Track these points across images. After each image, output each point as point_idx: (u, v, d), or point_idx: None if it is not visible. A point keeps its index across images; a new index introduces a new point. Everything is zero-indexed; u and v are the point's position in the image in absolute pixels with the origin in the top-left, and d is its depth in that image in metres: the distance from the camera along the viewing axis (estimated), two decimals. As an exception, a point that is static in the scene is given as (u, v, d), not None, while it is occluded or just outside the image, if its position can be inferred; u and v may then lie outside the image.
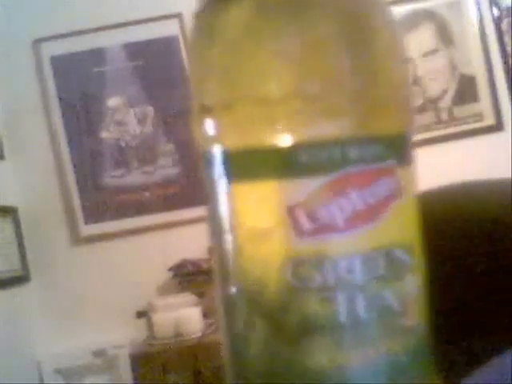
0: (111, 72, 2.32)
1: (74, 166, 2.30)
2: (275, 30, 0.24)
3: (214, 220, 0.26)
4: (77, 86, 2.32)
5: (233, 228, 0.25)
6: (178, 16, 2.31)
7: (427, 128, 2.38)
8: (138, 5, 2.30)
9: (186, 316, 1.95)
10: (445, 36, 2.41)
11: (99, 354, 2.18)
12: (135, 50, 2.32)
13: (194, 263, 2.12)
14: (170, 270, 2.15)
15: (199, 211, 2.32)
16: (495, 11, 2.42)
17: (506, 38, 2.41)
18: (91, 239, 2.28)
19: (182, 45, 2.31)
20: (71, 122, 2.31)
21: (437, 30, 2.41)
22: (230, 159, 0.25)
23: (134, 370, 1.96)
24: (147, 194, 2.31)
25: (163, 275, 2.19)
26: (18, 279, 2.17)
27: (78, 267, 2.28)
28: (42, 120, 2.30)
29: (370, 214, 0.24)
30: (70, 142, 2.30)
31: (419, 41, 2.40)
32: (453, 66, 2.41)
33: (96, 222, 2.29)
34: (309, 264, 0.24)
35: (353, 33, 0.25)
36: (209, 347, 1.84)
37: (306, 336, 0.24)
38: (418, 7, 2.39)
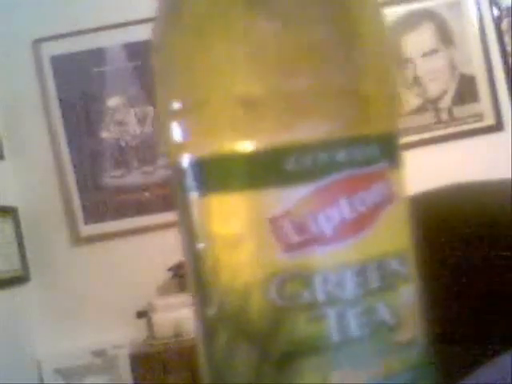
0: (111, 72, 2.32)
1: (74, 166, 2.30)
2: (253, 22, 0.22)
3: (186, 234, 0.24)
4: (77, 86, 2.32)
5: (209, 244, 0.23)
6: (178, 16, 2.30)
7: (427, 128, 2.38)
8: (138, 5, 2.30)
9: (185, 316, 1.94)
10: (445, 36, 2.41)
11: (99, 353, 2.18)
12: (135, 50, 2.32)
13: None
14: (169, 270, 2.15)
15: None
16: (495, 11, 2.42)
17: (506, 38, 2.41)
18: (91, 239, 2.28)
19: (181, 45, 2.31)
20: (71, 122, 2.31)
21: (437, 30, 2.41)
22: (202, 168, 0.23)
23: (133, 370, 1.96)
24: (147, 194, 2.31)
25: (163, 275, 2.19)
26: (18, 279, 2.17)
27: (78, 267, 2.28)
28: (41, 120, 2.30)
29: (361, 222, 0.22)
30: (70, 142, 2.30)
31: (419, 41, 2.40)
32: (453, 66, 2.41)
33: (96, 222, 2.30)
34: (296, 280, 0.22)
35: (339, 29, 0.23)
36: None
37: (296, 359, 0.22)
38: (417, 7, 2.39)
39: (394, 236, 0.23)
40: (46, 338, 2.24)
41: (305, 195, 0.22)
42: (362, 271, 0.22)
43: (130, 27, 2.30)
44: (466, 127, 2.39)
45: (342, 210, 0.22)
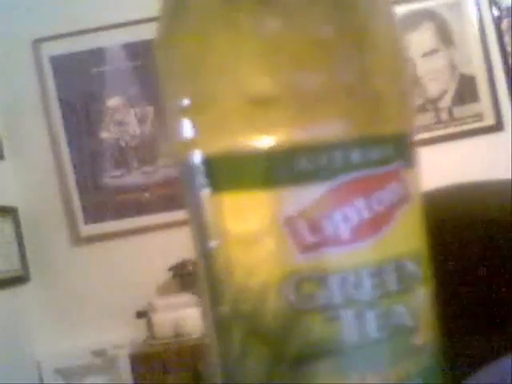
0: (111, 72, 2.32)
1: (74, 167, 2.30)
2: (264, 19, 0.21)
3: (198, 232, 0.24)
4: (77, 86, 2.32)
5: (222, 242, 0.23)
6: (178, 16, 2.30)
7: (427, 128, 2.38)
8: (138, 5, 2.30)
9: (185, 316, 1.95)
10: (445, 36, 2.41)
11: (99, 353, 2.18)
12: (135, 50, 2.32)
13: (194, 263, 2.11)
14: (170, 269, 2.15)
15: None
16: (495, 11, 2.42)
17: (506, 38, 2.41)
18: (91, 239, 2.28)
19: (181, 45, 2.31)
20: (71, 122, 2.31)
21: (437, 30, 2.41)
22: (214, 165, 0.22)
23: (133, 370, 1.96)
24: (147, 194, 2.31)
25: (163, 275, 2.19)
26: (18, 279, 2.17)
27: (78, 267, 2.28)
28: (41, 120, 2.30)
29: (378, 222, 0.22)
30: (70, 142, 2.30)
31: (419, 41, 2.40)
32: (453, 66, 2.41)
33: (96, 222, 2.29)
34: (312, 281, 0.21)
35: (350, 28, 0.22)
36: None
37: (312, 361, 0.22)
38: (417, 7, 2.39)
39: (410, 236, 0.23)
40: (45, 338, 2.24)
41: (320, 195, 0.21)
42: (379, 272, 0.22)
43: (130, 27, 2.30)
44: (465, 127, 2.39)
45: (358, 209, 0.22)
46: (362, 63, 0.22)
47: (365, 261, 0.22)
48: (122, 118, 2.32)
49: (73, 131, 2.31)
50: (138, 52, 2.32)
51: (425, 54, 2.40)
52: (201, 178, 0.23)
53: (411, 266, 0.23)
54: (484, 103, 2.40)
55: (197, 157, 0.23)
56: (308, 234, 0.21)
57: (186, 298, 2.04)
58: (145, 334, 2.07)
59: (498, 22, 2.42)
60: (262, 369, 0.22)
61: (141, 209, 2.30)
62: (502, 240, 0.63)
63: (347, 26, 0.22)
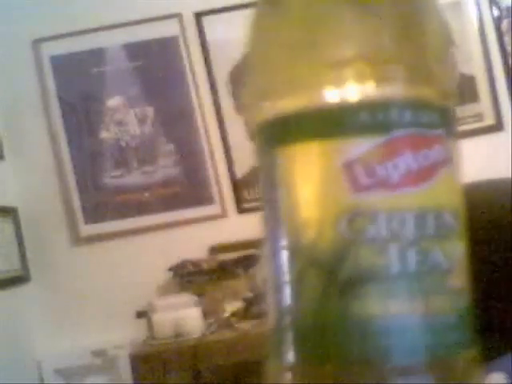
0: (111, 72, 2.32)
1: (74, 167, 2.30)
2: (344, 9, 0.26)
3: (268, 182, 0.28)
4: (77, 86, 2.32)
5: (290, 187, 0.27)
6: (178, 16, 2.31)
7: (427, 128, 2.38)
8: (138, 5, 2.30)
9: (185, 316, 1.95)
10: (445, 36, 2.41)
11: (99, 353, 2.18)
12: (135, 50, 2.32)
13: (194, 263, 2.12)
14: (170, 269, 2.15)
15: (199, 211, 2.33)
16: (495, 11, 2.42)
17: (506, 38, 2.41)
18: (91, 239, 2.29)
19: (182, 45, 2.31)
20: (71, 122, 2.31)
21: (437, 30, 2.41)
22: (288, 123, 0.26)
23: (133, 370, 1.95)
24: (147, 194, 2.31)
25: (163, 275, 2.19)
26: (18, 279, 2.17)
27: (78, 267, 2.28)
28: (41, 120, 2.30)
29: (423, 175, 0.25)
30: (70, 142, 2.30)
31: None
32: (453, 66, 2.41)
33: (96, 222, 2.30)
34: (363, 217, 0.25)
35: (409, 13, 0.27)
36: (209, 347, 1.84)
37: (359, 285, 0.25)
38: (417, 7, 2.39)
39: (449, 194, 0.27)
40: (45, 338, 2.24)
41: (376, 145, 0.25)
42: (420, 216, 0.25)
43: (130, 27, 2.30)
44: (466, 127, 2.39)
45: (407, 161, 0.25)
46: (419, 44, 0.27)
47: (409, 204, 0.25)
48: (122, 117, 2.32)
49: (73, 131, 2.31)
50: (138, 52, 2.32)
51: (425, 54, 2.40)
52: (273, 136, 0.27)
53: (449, 218, 0.26)
54: (484, 103, 2.40)
55: (271, 117, 0.27)
56: (363, 177, 0.25)
57: (185, 298, 2.04)
58: (145, 333, 2.07)
59: (497, 22, 2.42)
60: (316, 293, 0.26)
61: (141, 209, 2.30)
62: (503, 239, 0.63)
63: (410, 13, 0.27)
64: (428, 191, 0.26)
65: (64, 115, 2.30)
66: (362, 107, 0.25)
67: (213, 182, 2.29)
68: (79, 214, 2.29)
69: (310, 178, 0.26)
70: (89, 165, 2.31)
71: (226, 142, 2.30)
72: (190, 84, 2.31)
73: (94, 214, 2.30)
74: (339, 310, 0.25)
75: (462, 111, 2.40)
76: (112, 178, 2.31)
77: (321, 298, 0.25)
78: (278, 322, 0.27)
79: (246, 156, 2.27)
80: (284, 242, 0.27)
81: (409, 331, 0.25)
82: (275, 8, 0.28)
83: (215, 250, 2.18)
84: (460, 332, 0.26)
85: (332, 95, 0.26)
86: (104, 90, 2.32)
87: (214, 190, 2.29)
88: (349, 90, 0.26)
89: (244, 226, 2.15)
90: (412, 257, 0.25)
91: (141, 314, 2.08)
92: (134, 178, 2.31)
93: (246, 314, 1.93)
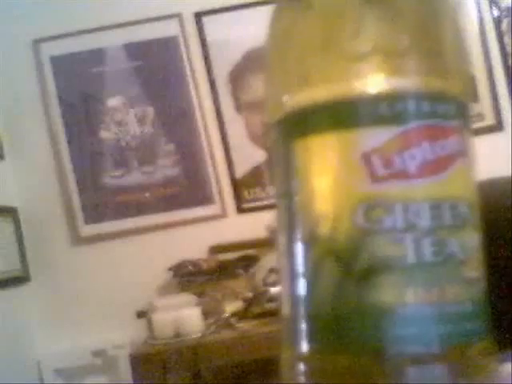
0: (111, 72, 2.32)
1: (74, 167, 2.30)
2: (363, 5, 0.27)
3: (284, 175, 0.28)
4: (77, 86, 2.32)
5: (308, 179, 0.27)
6: (178, 16, 2.30)
7: (427, 128, 2.38)
8: (138, 5, 2.30)
9: (185, 316, 1.94)
10: (445, 36, 2.41)
11: (99, 354, 2.18)
12: (135, 50, 2.32)
13: (194, 263, 2.12)
14: (169, 269, 2.15)
15: (199, 211, 2.32)
16: (495, 11, 2.42)
17: (506, 39, 2.41)
18: (91, 239, 2.28)
19: (182, 45, 2.31)
20: (71, 122, 2.31)
21: (437, 30, 2.41)
22: (307, 115, 0.27)
23: (133, 370, 1.95)
24: (147, 194, 2.31)
25: (163, 275, 2.19)
26: (18, 279, 2.17)
27: (78, 267, 2.28)
28: (41, 120, 2.30)
29: (439, 165, 0.26)
30: (70, 142, 2.30)
31: (419, 41, 2.40)
32: (453, 66, 2.41)
33: (96, 222, 2.29)
34: (380, 207, 0.25)
35: (426, 8, 0.28)
36: (209, 347, 1.84)
37: (375, 275, 0.25)
38: (417, 7, 2.39)
39: (464, 185, 0.27)
40: (45, 338, 2.24)
41: (393, 136, 0.25)
42: (436, 207, 0.25)
43: (130, 27, 2.30)
44: (466, 127, 2.39)
45: (424, 151, 0.26)
46: (436, 38, 0.28)
47: (425, 195, 0.25)
48: (122, 118, 2.32)
49: (73, 131, 2.31)
50: (138, 52, 2.32)
51: (425, 54, 2.40)
52: (291, 128, 0.28)
53: (464, 209, 0.26)
54: (484, 103, 2.40)
55: (290, 111, 0.27)
56: (380, 167, 0.25)
57: (185, 298, 2.04)
58: (145, 333, 2.07)
59: (498, 22, 2.42)
60: (332, 283, 0.26)
61: (141, 209, 2.30)
62: (503, 239, 0.63)
63: (429, 13, 0.28)
64: (444, 182, 0.26)
65: (64, 115, 2.30)
66: (379, 99, 0.26)
67: (213, 182, 2.29)
68: (79, 214, 2.29)
69: (327, 169, 0.26)
70: (89, 165, 2.31)
71: (226, 142, 2.30)
72: (190, 84, 2.31)
73: (94, 213, 2.30)
74: (356, 300, 0.25)
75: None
76: (112, 178, 2.31)
77: (337, 288, 0.26)
78: (292, 312, 0.27)
79: (246, 156, 2.28)
80: (300, 234, 0.27)
81: (425, 320, 0.25)
82: (295, 5, 0.28)
83: (215, 249, 2.18)
84: (475, 321, 0.26)
85: (350, 87, 0.26)
86: (104, 89, 2.32)
87: (214, 190, 2.29)
88: (366, 83, 0.26)
89: (244, 226, 2.15)
90: (428, 247, 0.25)
91: (141, 314, 2.08)
92: (134, 178, 2.31)
93: (245, 313, 1.93)
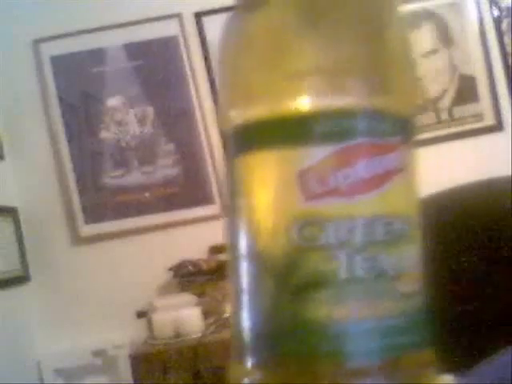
0: (111, 72, 2.32)
1: (74, 167, 2.30)
2: (304, 26, 0.27)
3: (230, 190, 0.29)
4: (77, 86, 2.32)
5: (247, 195, 0.28)
6: (178, 16, 2.31)
7: (427, 128, 2.38)
8: (138, 5, 2.30)
9: (185, 316, 1.95)
10: (445, 36, 2.41)
11: (99, 354, 2.18)
12: (135, 50, 2.32)
13: (194, 263, 2.12)
14: (170, 269, 2.15)
15: (199, 211, 2.33)
16: (495, 11, 2.42)
17: (506, 39, 2.41)
18: (91, 239, 2.29)
19: (182, 45, 2.31)
20: (71, 122, 2.31)
21: (437, 30, 2.41)
22: (250, 131, 0.27)
23: (133, 370, 1.95)
24: (147, 194, 2.31)
25: (163, 275, 2.19)
26: (18, 279, 2.17)
27: (78, 267, 2.28)
28: (41, 120, 2.30)
29: (374, 182, 0.26)
30: (70, 142, 2.30)
31: (419, 41, 2.40)
32: (453, 66, 2.41)
33: (96, 222, 2.30)
34: (314, 224, 0.26)
35: (366, 27, 0.27)
36: (209, 347, 1.84)
37: (309, 291, 0.26)
38: (417, 7, 2.39)
39: (401, 200, 0.27)
40: (45, 338, 2.24)
41: (329, 154, 0.26)
42: (369, 224, 0.26)
43: (130, 27, 2.30)
44: (466, 127, 2.39)
45: (359, 169, 0.26)
46: (378, 57, 0.28)
47: (359, 212, 0.26)
48: (122, 118, 2.33)
49: (73, 131, 2.31)
50: (138, 52, 2.32)
51: (425, 54, 2.40)
52: (237, 143, 0.28)
53: (400, 225, 0.27)
54: (484, 103, 2.40)
55: (240, 125, 0.28)
56: (315, 185, 0.26)
57: (186, 297, 2.04)
58: (145, 333, 2.07)
59: (498, 22, 2.42)
60: (270, 299, 0.26)
61: (141, 209, 2.30)
62: (503, 239, 0.63)
63: (366, 27, 0.28)
64: (378, 199, 0.26)
65: (64, 115, 2.30)
66: (315, 117, 0.26)
67: (213, 182, 2.29)
68: (79, 214, 2.29)
69: (266, 186, 0.27)
70: (89, 165, 2.31)
71: (226, 142, 2.30)
72: (190, 84, 2.31)
73: (94, 213, 2.30)
74: (291, 316, 0.26)
75: (462, 111, 2.40)
76: (112, 178, 2.31)
77: (275, 304, 0.26)
78: (237, 327, 0.28)
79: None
80: (242, 250, 0.28)
81: (357, 335, 0.25)
82: (241, 25, 0.29)
83: (215, 250, 2.18)
84: (410, 334, 0.26)
85: (287, 106, 0.26)
86: (104, 89, 2.32)
87: (214, 190, 2.29)
88: (302, 101, 0.26)
89: (244, 226, 2.14)
90: (360, 263, 0.26)
91: (141, 314, 2.08)
92: (134, 178, 2.31)
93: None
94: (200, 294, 2.03)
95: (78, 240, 2.29)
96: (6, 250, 2.13)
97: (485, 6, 2.41)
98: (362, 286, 0.26)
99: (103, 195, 2.30)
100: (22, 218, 2.26)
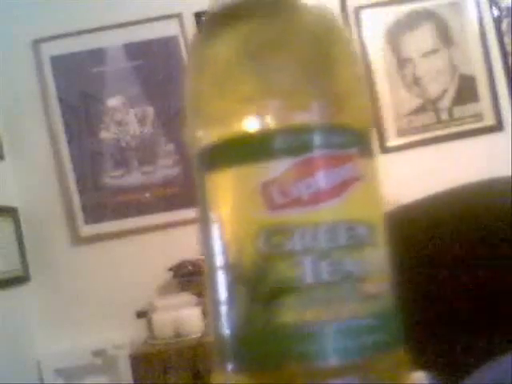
0: (111, 72, 2.32)
1: (74, 167, 2.30)
2: (255, 54, 0.29)
3: (201, 207, 0.31)
4: (77, 86, 2.32)
5: (217, 210, 0.29)
6: (178, 16, 2.31)
7: (427, 128, 2.38)
8: (138, 5, 2.30)
9: (185, 316, 1.95)
10: (445, 36, 2.41)
11: (99, 354, 2.18)
12: (135, 50, 2.32)
13: (193, 263, 2.12)
14: (170, 270, 2.15)
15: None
16: (495, 11, 2.42)
17: (506, 39, 2.41)
18: (91, 239, 2.29)
19: (181, 45, 2.31)
20: (71, 122, 2.31)
21: (437, 30, 2.41)
22: (215, 150, 0.29)
23: (134, 370, 1.96)
24: (147, 194, 2.31)
25: (163, 275, 2.19)
26: (18, 279, 2.17)
27: (77, 267, 2.28)
28: (41, 120, 2.30)
29: (334, 191, 0.28)
30: (70, 142, 2.30)
31: (419, 41, 2.40)
32: (453, 66, 2.41)
33: (96, 222, 2.30)
34: (279, 233, 0.27)
35: (309, 55, 0.29)
36: (209, 347, 1.84)
37: (278, 297, 0.27)
38: (417, 7, 2.39)
39: (361, 207, 0.29)
40: (45, 338, 2.24)
41: (289, 167, 0.27)
42: (332, 230, 0.27)
43: (130, 27, 2.30)
44: (466, 127, 2.39)
45: (318, 180, 0.28)
46: (325, 76, 0.29)
47: (321, 219, 0.27)
48: (122, 118, 2.33)
49: (73, 131, 2.31)
50: (138, 52, 2.32)
51: (425, 54, 2.40)
52: (204, 162, 0.30)
53: (361, 230, 0.28)
54: (484, 103, 2.40)
55: (205, 146, 0.30)
56: (278, 196, 0.27)
57: (186, 297, 2.04)
58: (145, 333, 2.07)
59: (498, 22, 2.42)
60: (244, 307, 0.28)
61: (141, 209, 2.30)
62: (503, 239, 0.63)
63: (316, 55, 0.30)
64: (339, 206, 0.28)
65: (64, 115, 2.30)
66: (273, 135, 0.28)
67: (213, 182, 2.29)
68: (79, 214, 2.29)
69: (233, 199, 0.28)
70: (89, 165, 2.31)
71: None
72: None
73: (94, 213, 2.30)
74: (263, 323, 0.27)
75: (462, 111, 2.40)
76: (112, 178, 2.31)
77: (247, 312, 0.27)
78: (217, 335, 0.29)
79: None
80: (215, 261, 0.29)
81: (325, 337, 0.27)
82: (198, 53, 0.31)
83: (215, 250, 2.18)
84: (378, 335, 0.28)
85: (246, 126, 0.28)
86: (104, 89, 2.32)
87: (214, 190, 2.29)
88: (260, 121, 0.28)
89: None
90: (325, 267, 0.27)
91: (141, 314, 2.08)
92: (134, 178, 2.31)
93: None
94: (200, 294, 2.03)
95: (77, 240, 2.29)
96: (5, 249, 2.13)
97: (485, 5, 2.41)
98: (328, 289, 0.27)
99: (103, 195, 2.30)
100: (22, 218, 2.26)
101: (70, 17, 2.29)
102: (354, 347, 0.27)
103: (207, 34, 0.31)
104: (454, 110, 2.40)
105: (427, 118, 2.39)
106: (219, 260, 0.29)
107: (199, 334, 1.91)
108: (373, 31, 2.39)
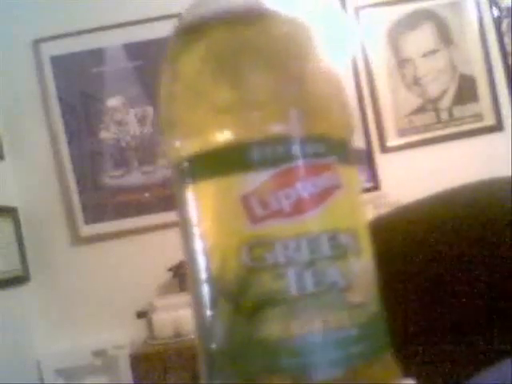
0: (111, 72, 2.32)
1: (74, 167, 2.30)
2: (230, 65, 0.29)
3: (182, 218, 0.30)
4: (77, 86, 2.32)
5: (198, 223, 0.29)
6: (178, 16, 2.30)
7: (427, 128, 2.38)
8: (138, 5, 2.30)
9: (186, 316, 1.95)
10: (445, 36, 2.41)
11: (99, 354, 2.18)
12: (135, 50, 2.32)
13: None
14: (169, 270, 2.15)
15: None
16: (495, 11, 2.42)
17: (506, 39, 2.42)
18: (91, 239, 2.29)
19: (181, 45, 2.31)
20: (71, 122, 2.31)
21: (437, 30, 2.41)
22: (193, 162, 0.29)
23: (134, 370, 1.96)
24: (147, 194, 2.31)
25: (163, 275, 2.19)
26: (18, 279, 2.17)
27: (77, 267, 2.28)
28: (41, 120, 2.30)
29: (314, 201, 0.27)
30: (70, 142, 2.30)
31: (419, 41, 2.40)
32: (453, 66, 2.41)
33: (96, 222, 2.30)
34: (261, 246, 0.27)
35: (290, 64, 0.29)
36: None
37: (261, 310, 0.26)
38: (418, 7, 2.39)
39: (343, 216, 0.28)
40: (45, 338, 2.24)
41: (267, 178, 0.27)
42: (315, 240, 0.27)
43: (130, 27, 2.30)
44: (466, 127, 2.39)
45: (298, 190, 0.27)
46: (300, 86, 0.29)
47: (303, 230, 0.27)
48: (122, 118, 2.33)
49: (73, 131, 2.31)
50: (138, 52, 2.32)
51: (425, 54, 2.40)
52: (183, 174, 0.29)
53: (344, 239, 0.28)
54: (484, 103, 2.40)
55: (183, 158, 0.29)
56: (258, 208, 0.27)
57: (186, 298, 2.03)
58: (145, 333, 2.07)
59: (498, 22, 2.42)
60: (227, 320, 0.27)
61: (141, 209, 2.30)
62: (503, 239, 0.63)
63: (289, 62, 0.29)
64: (320, 216, 0.27)
65: (64, 115, 2.30)
66: (250, 146, 0.27)
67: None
68: (79, 214, 2.29)
69: (213, 212, 0.28)
70: (89, 165, 2.31)
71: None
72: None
73: (94, 213, 2.30)
74: (246, 336, 0.27)
75: (462, 111, 2.40)
76: (112, 178, 2.31)
77: (230, 325, 0.27)
78: (202, 348, 0.29)
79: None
80: (198, 273, 0.29)
81: (311, 349, 0.26)
82: (176, 62, 0.31)
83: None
84: (365, 344, 0.27)
85: (222, 138, 0.28)
86: (104, 89, 2.32)
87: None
88: (236, 132, 0.28)
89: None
90: (309, 278, 0.27)
91: (141, 314, 2.08)
92: (134, 178, 2.31)
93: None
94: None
95: (77, 240, 2.29)
96: (5, 249, 2.13)
97: (485, 5, 2.41)
98: (313, 300, 0.27)
99: (103, 195, 2.30)
100: (22, 218, 2.26)
101: (70, 17, 2.29)
102: (341, 358, 0.26)
103: (181, 45, 0.31)
104: (454, 109, 2.40)
105: (427, 117, 2.39)
106: (202, 273, 0.29)
107: (199, 334, 1.90)
108: (373, 31, 2.39)
